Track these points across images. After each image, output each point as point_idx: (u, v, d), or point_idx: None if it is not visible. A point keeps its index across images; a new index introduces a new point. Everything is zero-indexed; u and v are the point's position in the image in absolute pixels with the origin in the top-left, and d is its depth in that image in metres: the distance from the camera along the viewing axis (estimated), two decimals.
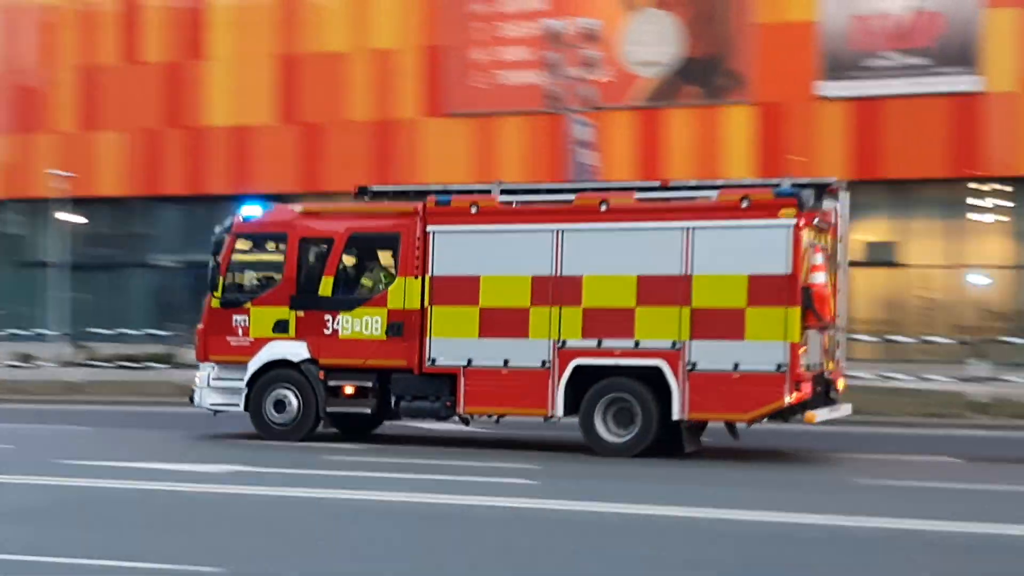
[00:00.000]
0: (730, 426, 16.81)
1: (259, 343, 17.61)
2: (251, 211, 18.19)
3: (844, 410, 16.85)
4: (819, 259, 15.55)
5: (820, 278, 15.49)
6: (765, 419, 15.75)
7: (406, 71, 40.06)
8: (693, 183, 17.88)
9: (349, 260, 17.61)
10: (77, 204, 38.07)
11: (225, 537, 10.56)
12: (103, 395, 26.24)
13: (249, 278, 18.20)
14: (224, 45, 42.04)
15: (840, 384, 16.91)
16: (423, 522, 11.23)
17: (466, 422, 17.62)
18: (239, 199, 19.65)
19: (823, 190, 16.24)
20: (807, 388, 15.39)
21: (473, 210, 16.79)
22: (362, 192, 18.50)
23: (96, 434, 18.91)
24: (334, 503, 12.18)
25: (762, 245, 15.36)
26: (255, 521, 11.30)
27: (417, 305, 16.83)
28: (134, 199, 42.92)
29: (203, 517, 11.51)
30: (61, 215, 37.32)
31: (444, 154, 39.46)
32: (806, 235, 15.37)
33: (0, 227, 46.59)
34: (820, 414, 15.75)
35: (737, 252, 15.48)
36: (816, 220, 15.78)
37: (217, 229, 18.19)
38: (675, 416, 15.67)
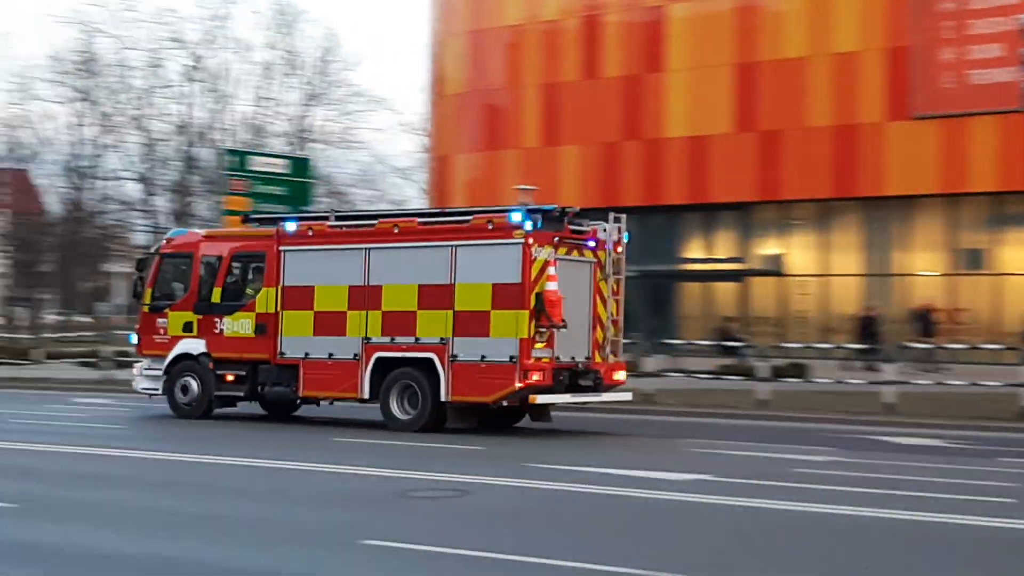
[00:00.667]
0: (537, 413, 20.03)
1: (174, 340, 22.17)
2: (173, 235, 23.95)
3: (610, 396, 20.19)
4: (552, 271, 18.79)
5: (552, 286, 18.76)
6: (506, 400, 19.07)
7: (868, 74, 38.81)
8: (462, 209, 21.70)
9: (232, 274, 22.09)
10: None
11: (692, 545, 10.33)
12: None
13: (169, 288, 22.77)
14: (682, 56, 42.25)
15: (616, 375, 20.14)
16: (895, 539, 10.57)
17: (317, 404, 21.72)
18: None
19: (562, 214, 19.44)
20: (537, 376, 18.74)
21: (309, 233, 21.04)
22: (246, 219, 23.46)
23: (555, 438, 19.21)
24: (803, 516, 11.71)
25: (501, 259, 18.95)
26: (721, 531, 11.02)
27: (274, 309, 21.09)
28: (593, 211, 43.80)
29: (669, 524, 11.34)
30: None
31: (909, 159, 37.93)
32: (542, 251, 18.86)
33: None
34: (548, 398, 19.16)
35: (485, 265, 19.10)
36: (557, 239, 19.12)
37: (143, 252, 22.57)
38: (442, 398, 19.31)
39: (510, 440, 18.80)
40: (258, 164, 32.07)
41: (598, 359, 19.92)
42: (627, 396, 21.16)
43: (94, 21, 62.33)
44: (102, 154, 64.32)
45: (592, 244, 19.96)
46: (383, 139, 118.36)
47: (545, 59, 45.31)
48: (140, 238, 68.55)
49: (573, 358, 19.55)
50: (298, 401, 21.58)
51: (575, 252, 19.72)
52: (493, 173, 46.16)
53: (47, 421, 21.51)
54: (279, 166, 32.55)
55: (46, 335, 45.67)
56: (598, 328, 19.95)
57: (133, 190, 65.67)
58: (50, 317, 72.69)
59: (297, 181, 32.35)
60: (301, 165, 33.97)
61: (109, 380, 31.38)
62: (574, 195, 43.47)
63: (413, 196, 67.25)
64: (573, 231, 19.71)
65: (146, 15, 63.17)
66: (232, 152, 35.69)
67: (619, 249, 20.34)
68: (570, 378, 19.45)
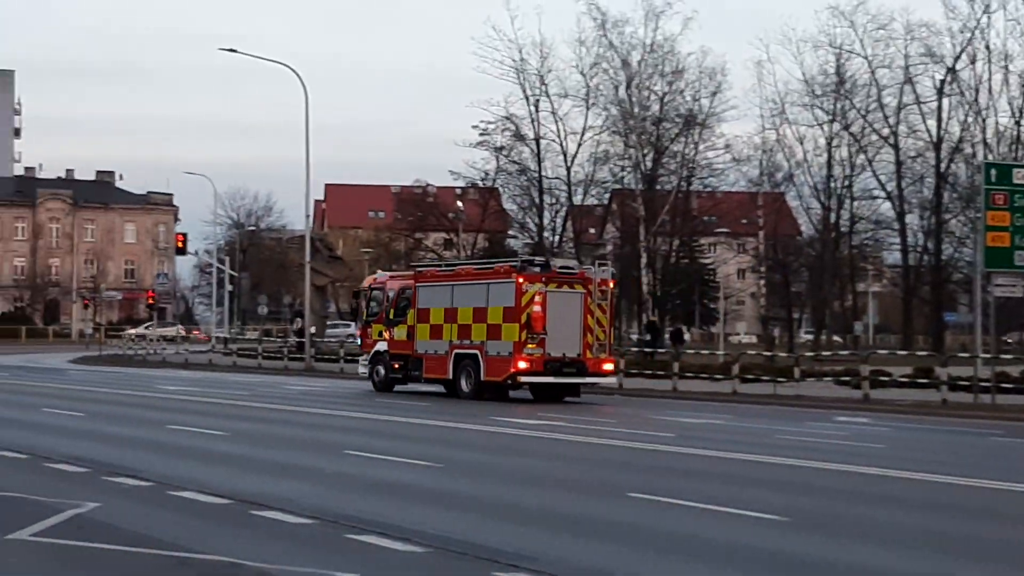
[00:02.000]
0: (565, 392, 31.15)
1: (374, 343, 34.85)
2: (376, 275, 38.31)
3: (589, 379, 31.20)
4: (538, 299, 29.96)
5: (536, 309, 29.89)
6: (509, 380, 30.46)
7: None
8: (491, 261, 38.10)
9: (400, 300, 33.92)
10: None
11: None
12: None
13: (374, 310, 35.23)
14: None
15: (604, 366, 30.93)
16: None
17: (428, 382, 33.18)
18: None
19: (546, 264, 31.67)
20: (524, 364, 29.89)
21: (429, 275, 34.14)
22: (410, 267, 38.49)
23: None
24: None
25: (506, 292, 30.36)
26: None
27: (414, 323, 33.00)
28: None
29: None
30: None
31: None
32: (532, 286, 30.11)
33: None
34: (531, 379, 30.41)
35: (500, 296, 30.51)
36: (544, 279, 30.28)
37: (360, 288, 38.46)
38: (481, 378, 30.69)
39: None
40: (1021, 177, 30.56)
41: (588, 355, 30.54)
42: (610, 380, 32.34)
43: (845, 43, 62.99)
44: (854, 174, 64.79)
45: (582, 280, 30.94)
46: None
47: None
48: (893, 257, 68.32)
49: (564, 354, 30.42)
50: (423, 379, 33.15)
51: (566, 286, 30.70)
52: None
53: (808, 438, 21.75)
54: None
55: (801, 354, 46.57)
56: (588, 335, 30.50)
57: (885, 209, 65.52)
58: (804, 336, 74.29)
59: None
60: None
61: (869, 399, 31.32)
62: None
63: None
64: (561, 273, 31.20)
65: (898, 32, 62.63)
66: (992, 165, 34.35)
67: (605, 284, 31.11)
68: (558, 367, 30.36)
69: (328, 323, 72.02)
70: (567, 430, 22.07)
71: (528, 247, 68.12)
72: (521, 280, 30.06)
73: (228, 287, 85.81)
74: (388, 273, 38.90)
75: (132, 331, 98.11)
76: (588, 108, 64.33)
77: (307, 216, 55.39)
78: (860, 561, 9.96)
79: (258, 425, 22.87)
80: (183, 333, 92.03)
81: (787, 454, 18.15)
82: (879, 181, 64.40)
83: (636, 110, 63.55)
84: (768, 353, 48.79)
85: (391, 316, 34.07)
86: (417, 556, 9.90)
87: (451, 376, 31.45)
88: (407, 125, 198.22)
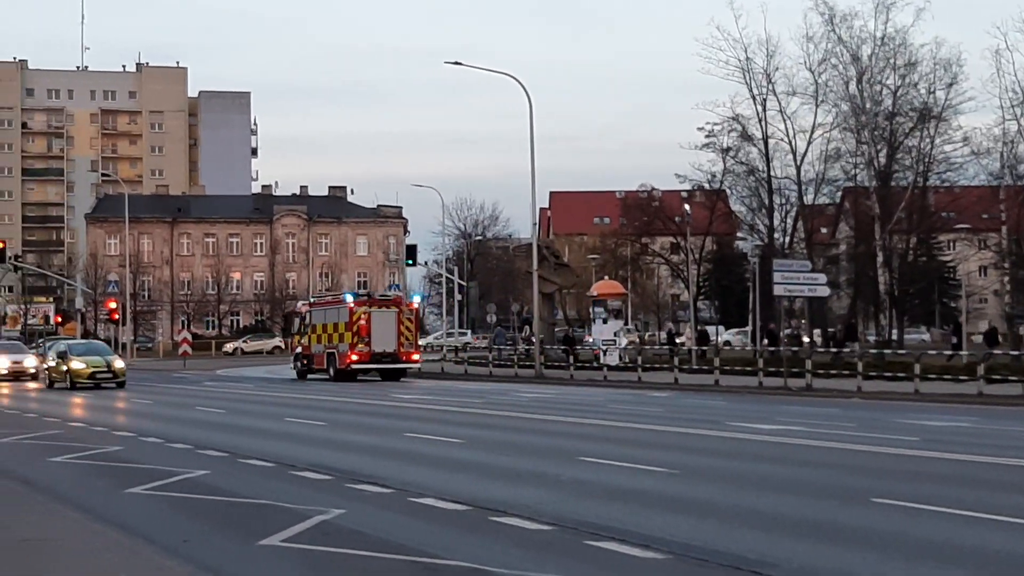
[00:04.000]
0: (393, 375, 50.54)
1: (295, 347, 56.37)
2: (298, 305, 66.62)
3: (400, 366, 50.54)
4: (364, 316, 49.58)
5: (362, 322, 49.36)
6: (350, 367, 50.06)
7: None
8: (343, 292, 67.55)
9: (307, 319, 54.47)
10: None
11: None
12: None
13: (298, 328, 56.44)
14: None
15: (413, 357, 50.89)
16: None
17: (309, 373, 53.39)
18: None
19: (370, 294, 58.31)
20: (356, 357, 49.54)
21: (316, 303, 56.76)
22: (316, 297, 66.24)
23: None
24: None
25: (345, 313, 50.63)
26: None
27: (309, 334, 53.47)
28: None
29: None
30: None
31: None
32: (360, 308, 50.06)
33: None
34: (360, 366, 49.85)
35: (344, 315, 50.71)
36: (369, 303, 51.14)
37: (295, 311, 65.40)
38: (337, 367, 50.28)
39: None
40: None
41: (401, 351, 49.58)
42: (416, 367, 51.28)
43: None
44: None
45: (395, 303, 51.52)
46: None
47: None
48: None
49: (384, 350, 49.11)
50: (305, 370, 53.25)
51: (384, 307, 50.29)
52: None
53: None
54: None
55: None
56: (400, 337, 49.54)
57: None
58: None
59: None
60: None
61: None
62: None
63: None
64: (381, 299, 52.82)
65: None
66: None
67: (411, 306, 53.28)
68: (380, 358, 49.17)
69: (556, 330, 72.46)
70: (804, 434, 21.58)
71: (759, 249, 67.10)
72: (353, 305, 49.97)
73: (457, 296, 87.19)
74: (303, 302, 61.78)
75: (230, 346, 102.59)
76: (817, 105, 62.82)
77: (533, 224, 55.77)
78: None
79: (492, 432, 23.12)
80: (268, 346, 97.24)
81: None
82: None
83: (868, 105, 61.86)
84: (1015, 352, 46.85)
85: (302, 330, 54.29)
86: (658, 563, 9.81)
87: (326, 367, 50.67)
88: (631, 130, 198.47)
